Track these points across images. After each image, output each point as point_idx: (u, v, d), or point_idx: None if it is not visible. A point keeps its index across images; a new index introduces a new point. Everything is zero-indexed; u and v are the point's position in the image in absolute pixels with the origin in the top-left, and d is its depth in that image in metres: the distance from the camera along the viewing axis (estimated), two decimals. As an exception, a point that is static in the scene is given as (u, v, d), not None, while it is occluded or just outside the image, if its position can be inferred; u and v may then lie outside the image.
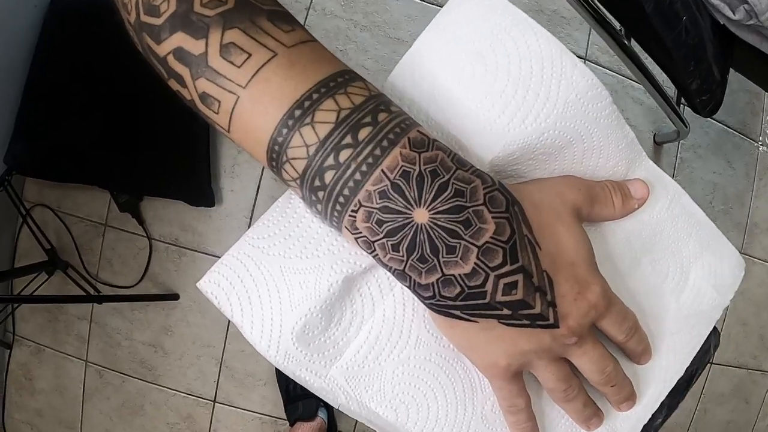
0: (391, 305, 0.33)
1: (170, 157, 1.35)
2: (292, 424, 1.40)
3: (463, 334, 0.31)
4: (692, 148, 1.52)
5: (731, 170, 1.55)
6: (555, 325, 0.30)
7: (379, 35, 1.38)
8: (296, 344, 0.32)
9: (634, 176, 0.37)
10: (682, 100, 1.38)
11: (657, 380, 0.38)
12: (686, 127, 1.31)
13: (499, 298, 0.29)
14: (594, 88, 0.32)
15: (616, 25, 0.88)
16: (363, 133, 0.28)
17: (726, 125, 1.52)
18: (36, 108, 1.32)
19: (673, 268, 0.38)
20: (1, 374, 1.52)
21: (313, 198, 0.29)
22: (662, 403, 0.38)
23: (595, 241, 0.34)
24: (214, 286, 0.32)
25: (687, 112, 1.36)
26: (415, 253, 0.28)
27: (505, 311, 0.29)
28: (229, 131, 0.30)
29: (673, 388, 0.38)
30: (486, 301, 0.29)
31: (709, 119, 1.48)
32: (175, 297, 1.44)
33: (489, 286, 0.28)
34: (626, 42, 0.93)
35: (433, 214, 0.27)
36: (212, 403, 1.50)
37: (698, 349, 0.39)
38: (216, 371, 1.47)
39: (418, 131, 0.29)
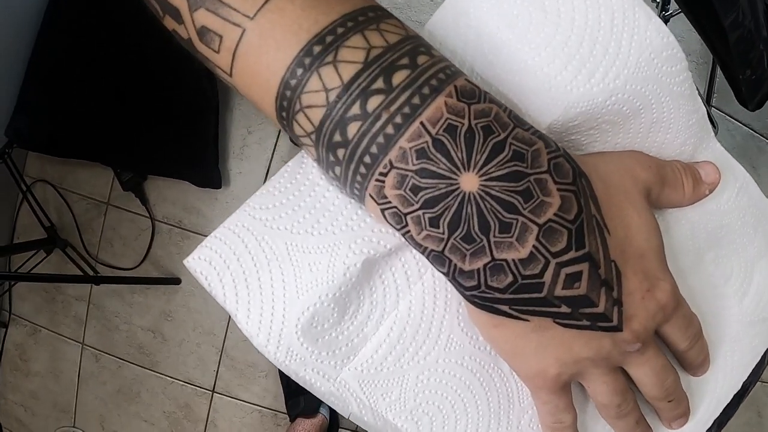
0: (419, 296, 0.27)
1: (177, 136, 1.30)
2: (292, 420, 1.35)
3: (507, 335, 0.26)
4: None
5: (756, 175, 1.48)
6: (618, 328, 0.25)
7: (400, 18, 1.32)
8: (302, 339, 0.26)
9: (702, 158, 0.32)
10: (713, 100, 1.32)
11: (711, 394, 0.33)
12: (715, 127, 1.25)
13: (559, 291, 0.24)
14: (670, 47, 0.27)
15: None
16: (398, 77, 0.22)
17: (752, 129, 1.47)
18: (40, 82, 1.27)
19: (738, 267, 0.34)
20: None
21: (331, 158, 0.23)
22: (714, 420, 0.34)
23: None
24: (204, 264, 0.27)
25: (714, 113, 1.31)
26: (460, 230, 0.22)
27: (564, 308, 0.24)
28: (231, 75, 0.25)
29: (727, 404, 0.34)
30: (542, 295, 0.23)
31: (735, 122, 1.43)
32: (176, 281, 1.39)
33: (548, 276, 0.23)
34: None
35: (484, 180, 0.22)
36: (211, 392, 1.45)
37: (757, 361, 0.35)
38: (216, 360, 1.43)
39: (465, 80, 0.23)
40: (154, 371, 1.46)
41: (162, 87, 1.26)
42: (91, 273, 1.24)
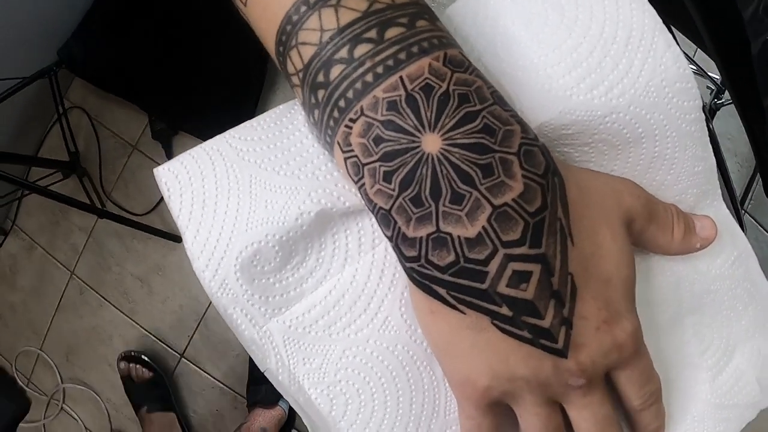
0: (366, 267, 0.26)
1: (217, 102, 1.32)
2: (250, 406, 1.33)
3: (442, 326, 0.24)
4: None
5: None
6: (562, 353, 0.23)
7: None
8: (238, 275, 0.25)
9: (703, 213, 0.30)
10: (748, 205, 1.29)
11: None
12: (743, 231, 1.21)
13: (502, 288, 0.22)
14: (685, 80, 0.26)
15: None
16: (392, 32, 0.22)
17: (784, 248, 1.42)
18: (105, 15, 1.31)
19: (718, 341, 0.31)
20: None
21: (312, 100, 0.23)
22: None
23: (638, 274, 0.27)
24: (170, 176, 0.27)
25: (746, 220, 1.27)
26: (410, 190, 0.21)
27: (505, 310, 0.22)
28: (246, 4, 0.25)
29: None
30: (484, 286, 0.22)
31: (766, 233, 1.38)
32: (177, 239, 1.40)
33: (493, 267, 0.22)
34: (710, 121, 0.84)
35: (447, 144, 0.21)
36: (179, 356, 1.45)
37: None
38: (193, 327, 1.42)
39: (459, 52, 0.23)
40: (132, 320, 1.46)
41: (215, 53, 1.28)
42: (99, 206, 1.25)
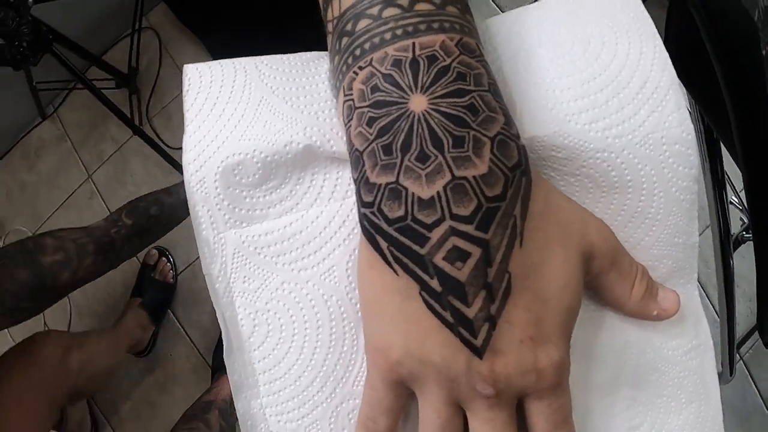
0: (330, 214, 0.27)
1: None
2: (213, 369, 1.33)
3: (375, 282, 0.24)
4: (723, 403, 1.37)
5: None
6: (479, 351, 0.23)
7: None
8: (218, 177, 0.27)
9: (675, 292, 0.29)
10: (745, 352, 1.26)
11: None
12: (730, 375, 1.18)
13: (439, 259, 0.22)
14: (686, 145, 0.26)
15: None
16: (421, 6, 0.23)
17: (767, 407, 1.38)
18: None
19: (649, 427, 0.30)
20: (17, 136, 1.55)
21: (336, 46, 0.25)
22: None
23: (585, 323, 0.28)
24: (195, 74, 0.29)
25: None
26: (385, 138, 0.23)
27: (435, 284, 0.23)
28: None
29: None
30: (423, 251, 0.22)
31: (754, 388, 1.34)
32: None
33: (436, 234, 0.22)
34: (731, 254, 0.83)
35: (431, 107, 0.22)
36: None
37: None
38: (184, 265, 1.44)
39: (476, 43, 0.24)
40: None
41: (299, 24, 1.32)
42: (137, 124, 1.29)
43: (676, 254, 0.29)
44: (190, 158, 0.27)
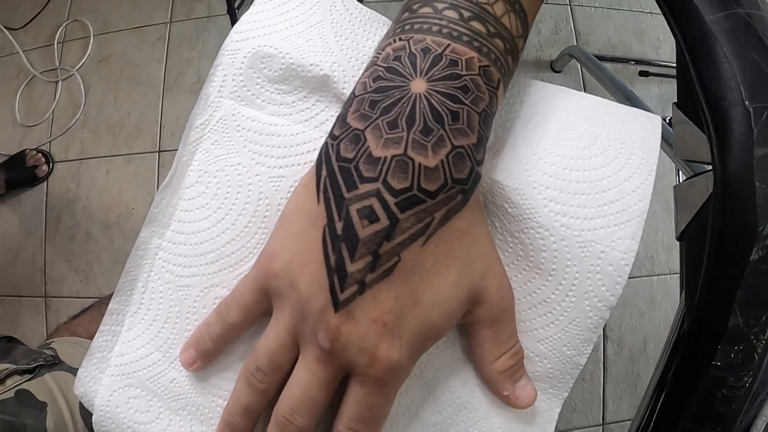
0: (308, 138, 0.30)
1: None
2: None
3: (297, 201, 0.27)
4: None
5: None
6: (336, 304, 0.24)
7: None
8: (248, 54, 0.30)
9: (536, 391, 0.29)
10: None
11: None
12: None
13: (353, 208, 0.24)
14: (620, 272, 0.27)
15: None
16: (475, 24, 0.26)
17: None
18: None
19: None
20: None
21: (399, 16, 0.28)
22: None
23: (446, 360, 0.29)
24: None
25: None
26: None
27: (339, 225, 0.24)
28: None
29: None
30: (346, 194, 0.24)
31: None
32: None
33: (364, 188, 0.24)
34: None
35: (430, 88, 0.24)
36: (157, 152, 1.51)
37: None
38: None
39: (500, 79, 0.26)
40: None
41: None
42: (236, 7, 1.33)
43: (559, 362, 0.29)
44: (238, 29, 0.31)
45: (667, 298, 1.31)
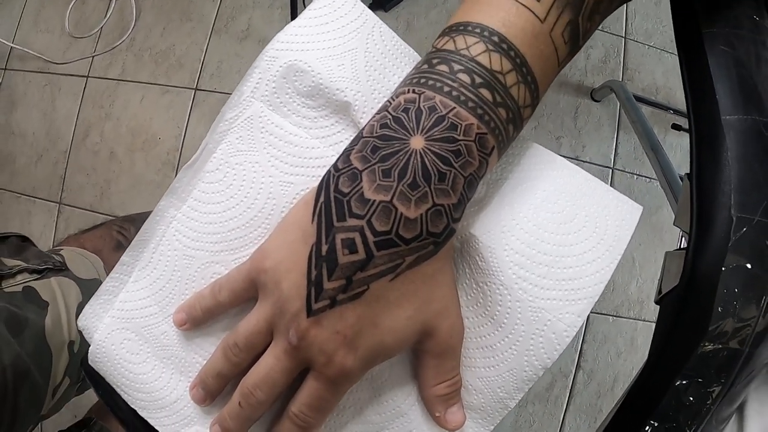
0: (321, 154, 0.33)
1: None
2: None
3: (296, 215, 0.30)
4: None
5: None
6: (310, 311, 0.28)
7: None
8: (284, 65, 0.32)
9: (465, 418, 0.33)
10: None
11: None
12: None
13: (338, 237, 0.27)
14: (560, 341, 0.29)
15: None
16: (483, 92, 0.28)
17: None
18: None
19: None
20: None
21: (419, 64, 0.30)
22: None
23: (398, 374, 0.33)
24: None
25: None
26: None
27: (325, 248, 0.27)
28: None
29: None
30: (336, 223, 0.27)
31: None
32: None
33: (352, 222, 0.27)
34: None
35: (428, 141, 0.27)
36: (193, 90, 1.53)
37: None
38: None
39: (494, 148, 0.28)
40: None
41: None
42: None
43: (491, 400, 0.32)
44: (281, 38, 0.33)
45: (646, 345, 1.32)
